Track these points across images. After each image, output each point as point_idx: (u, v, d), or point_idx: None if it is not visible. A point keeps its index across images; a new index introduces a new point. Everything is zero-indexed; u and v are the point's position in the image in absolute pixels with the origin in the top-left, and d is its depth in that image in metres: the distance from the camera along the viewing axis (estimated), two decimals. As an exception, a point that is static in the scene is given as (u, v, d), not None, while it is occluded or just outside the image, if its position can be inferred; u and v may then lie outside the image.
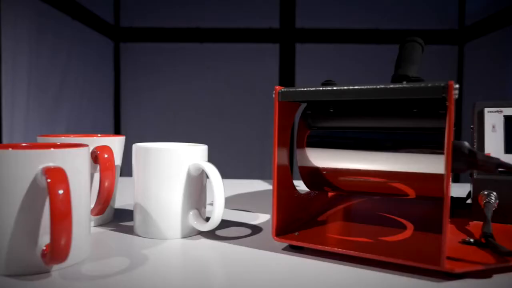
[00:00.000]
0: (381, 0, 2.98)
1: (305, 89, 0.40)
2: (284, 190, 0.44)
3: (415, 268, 0.36)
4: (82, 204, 0.38)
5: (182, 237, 0.46)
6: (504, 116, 0.52)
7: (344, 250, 0.39)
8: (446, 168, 0.34)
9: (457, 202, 0.56)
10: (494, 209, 0.47)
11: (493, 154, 0.50)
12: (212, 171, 0.44)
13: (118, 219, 0.54)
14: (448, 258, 0.36)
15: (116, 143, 0.52)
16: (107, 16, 2.84)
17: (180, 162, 0.45)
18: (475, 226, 0.48)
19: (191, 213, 0.47)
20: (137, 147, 0.47)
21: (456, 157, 0.37)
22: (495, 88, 2.56)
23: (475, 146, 0.52)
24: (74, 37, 2.33)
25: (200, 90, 2.99)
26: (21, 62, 1.83)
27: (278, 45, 3.04)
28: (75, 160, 0.37)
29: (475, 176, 0.50)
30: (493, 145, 0.51)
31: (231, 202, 0.66)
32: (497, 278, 0.36)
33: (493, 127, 0.52)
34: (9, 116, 1.73)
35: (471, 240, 0.41)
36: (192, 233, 0.47)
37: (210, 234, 0.48)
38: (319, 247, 0.40)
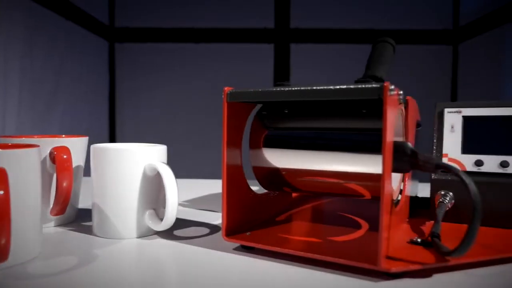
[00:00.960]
0: (376, 0, 2.98)
1: (252, 90, 0.41)
2: (236, 190, 0.44)
3: (358, 268, 0.36)
4: (30, 204, 0.39)
5: (138, 237, 0.47)
6: (463, 116, 0.52)
7: (287, 250, 0.39)
8: (384, 168, 0.34)
9: (421, 201, 0.56)
10: (447, 209, 0.47)
11: (450, 155, 0.51)
12: (165, 171, 0.45)
13: (82, 219, 0.55)
14: (390, 258, 0.37)
15: (78, 143, 0.53)
16: (102, 17, 2.85)
17: (135, 162, 0.46)
18: (430, 225, 0.49)
19: (147, 213, 0.47)
20: (94, 147, 0.47)
21: (399, 158, 0.38)
22: (489, 88, 2.56)
23: (434, 147, 0.52)
24: (68, 38, 2.34)
25: (195, 90, 2.99)
26: (13, 63, 1.83)
27: (273, 45, 3.04)
28: (21, 161, 0.38)
29: (433, 177, 0.50)
30: (451, 146, 0.51)
31: (200, 202, 0.67)
32: (436, 277, 0.36)
33: (452, 127, 0.52)
34: (0, 118, 1.73)
35: (419, 240, 0.41)
36: (149, 233, 0.48)
37: (167, 234, 0.48)
38: (265, 246, 0.40)
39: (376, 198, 0.43)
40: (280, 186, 0.49)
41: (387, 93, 0.33)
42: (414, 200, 0.55)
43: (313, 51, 3.02)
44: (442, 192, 0.49)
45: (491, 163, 0.48)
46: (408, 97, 0.48)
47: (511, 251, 0.39)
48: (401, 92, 0.39)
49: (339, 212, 0.56)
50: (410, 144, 0.38)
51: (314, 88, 0.38)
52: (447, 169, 0.36)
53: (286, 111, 0.47)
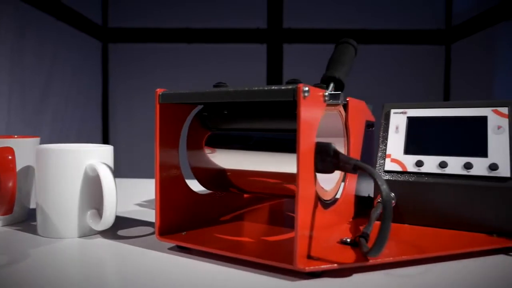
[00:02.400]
0: (368, 1, 2.98)
1: (180, 91, 0.41)
2: (173, 190, 0.44)
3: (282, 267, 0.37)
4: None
5: (80, 236, 0.47)
6: (408, 117, 0.52)
7: (213, 249, 0.39)
8: (299, 168, 0.34)
9: (370, 201, 0.56)
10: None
11: (394, 155, 0.51)
12: (103, 171, 0.45)
13: (34, 218, 0.55)
14: (312, 257, 0.37)
15: (29, 144, 0.53)
16: (95, 17, 2.86)
17: (76, 163, 0.46)
18: (374, 225, 0.49)
19: (89, 212, 0.47)
20: (36, 148, 0.48)
21: (322, 158, 0.38)
22: (482, 88, 2.55)
23: (379, 147, 0.53)
24: (59, 39, 2.35)
25: (188, 90, 3.00)
26: (2, 65, 1.84)
27: (266, 46, 3.04)
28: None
29: (375, 177, 0.51)
30: (395, 146, 0.51)
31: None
32: (355, 277, 0.36)
33: (397, 128, 0.52)
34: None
35: (348, 240, 0.41)
36: (91, 233, 0.48)
37: (110, 234, 0.49)
38: (193, 246, 0.41)
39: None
40: (221, 186, 0.50)
41: (300, 95, 0.34)
42: (366, 200, 0.55)
43: (306, 51, 3.02)
44: (384, 193, 0.49)
45: (430, 163, 0.48)
46: (349, 98, 0.49)
47: (436, 250, 0.40)
48: (327, 93, 0.40)
49: (287, 213, 0.56)
50: (333, 145, 0.38)
51: (231, 89, 0.38)
52: (364, 170, 0.36)
53: (226, 112, 0.48)
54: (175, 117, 0.45)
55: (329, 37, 3.02)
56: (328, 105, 0.45)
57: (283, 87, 0.35)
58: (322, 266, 0.35)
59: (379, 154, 0.52)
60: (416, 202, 0.48)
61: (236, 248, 0.40)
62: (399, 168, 0.50)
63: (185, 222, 0.46)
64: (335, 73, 0.67)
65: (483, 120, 0.48)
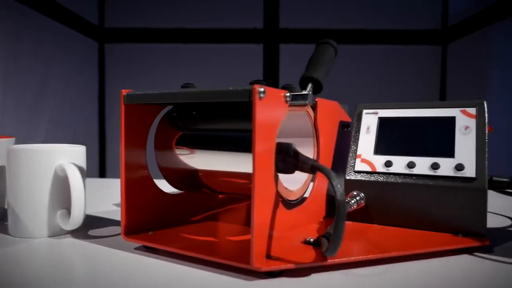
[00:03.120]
0: (365, 1, 2.98)
1: (145, 92, 0.41)
2: (140, 190, 0.45)
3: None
4: None
5: (50, 236, 0.48)
6: (379, 117, 0.53)
7: (174, 249, 0.40)
8: (254, 168, 0.34)
9: None
10: (352, 210, 0.48)
11: (364, 155, 0.51)
12: (71, 172, 0.45)
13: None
14: (271, 257, 0.37)
15: (2, 144, 0.54)
16: (91, 17, 2.86)
17: (46, 163, 0.47)
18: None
19: (59, 212, 0.48)
20: (8, 148, 0.48)
21: (283, 158, 0.39)
22: (478, 87, 2.55)
23: (351, 147, 0.53)
24: (55, 39, 2.35)
25: (184, 90, 3.00)
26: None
27: (262, 46, 3.05)
28: None
29: (346, 177, 0.51)
30: (365, 146, 0.52)
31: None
32: (313, 276, 0.36)
33: (368, 128, 0.53)
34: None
35: (311, 240, 0.41)
36: (62, 232, 0.48)
37: (81, 233, 0.49)
38: (155, 245, 0.41)
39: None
40: (192, 187, 0.50)
41: (256, 96, 0.34)
42: None
43: (302, 51, 3.01)
44: (355, 193, 0.50)
45: (399, 164, 0.49)
46: (318, 99, 0.49)
47: (397, 250, 0.40)
48: (288, 94, 0.40)
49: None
50: (294, 145, 0.39)
51: (190, 91, 0.38)
52: (320, 170, 0.36)
53: (194, 113, 0.48)
54: (143, 118, 0.45)
55: (325, 37, 3.01)
56: (295, 105, 0.45)
57: (239, 88, 0.35)
58: (280, 266, 0.36)
59: (350, 154, 0.52)
60: (385, 202, 0.49)
61: (199, 248, 0.40)
62: (368, 169, 0.50)
63: (153, 222, 0.46)
64: (313, 74, 0.67)
65: (452, 120, 0.48)
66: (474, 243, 0.43)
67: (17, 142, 0.56)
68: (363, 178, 0.50)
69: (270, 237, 0.38)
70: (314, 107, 0.49)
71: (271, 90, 0.36)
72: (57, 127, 2.32)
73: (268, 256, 0.37)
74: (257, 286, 0.35)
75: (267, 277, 0.36)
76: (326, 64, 0.71)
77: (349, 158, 0.52)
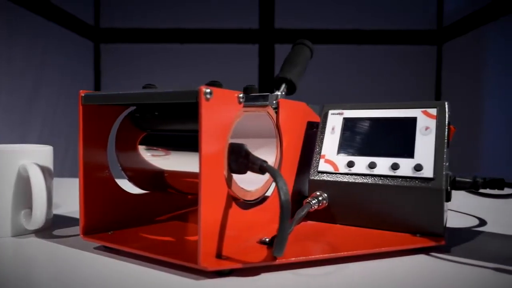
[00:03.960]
0: (360, 1, 2.98)
1: (102, 93, 0.42)
2: (100, 190, 0.45)
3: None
4: None
5: (14, 236, 0.48)
6: (344, 118, 0.53)
7: (131, 249, 0.40)
8: (201, 169, 0.35)
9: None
10: (313, 210, 0.48)
11: (328, 156, 0.51)
12: (33, 171, 0.46)
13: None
14: (222, 257, 0.37)
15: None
16: (86, 17, 2.87)
17: (9, 163, 0.47)
18: (305, 225, 0.50)
19: (23, 212, 0.48)
20: (-28, 148, 0.49)
21: (235, 159, 0.39)
22: (472, 87, 2.55)
23: (316, 148, 0.53)
24: (49, 39, 2.36)
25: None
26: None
27: (258, 46, 3.05)
28: None
29: (310, 177, 0.51)
30: (330, 147, 0.52)
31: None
32: (263, 276, 0.37)
33: (333, 128, 0.53)
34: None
35: (267, 239, 0.42)
36: (26, 232, 0.49)
37: (45, 233, 0.49)
38: (114, 245, 0.41)
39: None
40: (156, 187, 0.50)
41: (202, 97, 0.34)
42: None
43: (298, 51, 3.02)
44: (318, 193, 0.50)
45: (361, 164, 0.49)
46: (280, 100, 0.49)
47: (351, 249, 0.40)
48: (242, 95, 0.40)
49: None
50: (246, 146, 0.39)
51: (143, 92, 0.39)
52: (267, 171, 0.37)
53: (157, 114, 0.48)
54: (103, 118, 0.45)
55: (320, 37, 3.02)
56: (255, 106, 0.45)
57: (186, 89, 0.36)
58: (228, 265, 0.36)
59: (315, 154, 0.52)
60: (347, 202, 0.49)
61: (154, 248, 0.41)
62: (331, 169, 0.50)
63: (115, 221, 0.47)
64: (287, 75, 0.67)
65: (413, 121, 0.49)
66: (429, 243, 0.43)
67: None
68: (326, 179, 0.50)
69: (222, 236, 0.38)
70: (276, 108, 0.49)
71: (219, 91, 0.36)
72: (50, 128, 2.32)
73: (220, 256, 0.38)
74: (204, 285, 0.35)
75: (217, 276, 0.37)
76: (301, 65, 0.71)
77: (314, 159, 0.52)
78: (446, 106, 0.48)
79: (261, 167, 0.37)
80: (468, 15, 2.61)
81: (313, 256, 0.39)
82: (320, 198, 0.49)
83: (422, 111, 0.49)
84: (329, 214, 0.50)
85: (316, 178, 0.51)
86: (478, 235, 0.51)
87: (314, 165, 0.52)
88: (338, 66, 3.00)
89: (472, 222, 0.58)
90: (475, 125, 2.47)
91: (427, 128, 0.48)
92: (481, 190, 0.61)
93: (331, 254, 0.39)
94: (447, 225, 0.54)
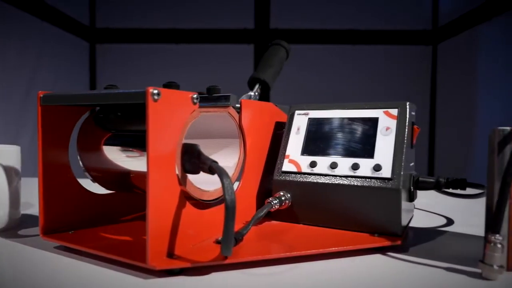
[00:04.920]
0: (355, 1, 2.98)
1: (59, 94, 0.42)
2: (61, 189, 0.45)
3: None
4: None
5: (-21, 235, 0.48)
6: (309, 118, 0.53)
7: (86, 248, 0.40)
8: (148, 169, 0.35)
9: None
10: (274, 210, 0.48)
11: (292, 156, 0.52)
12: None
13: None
14: (174, 256, 0.38)
15: None
16: (82, 17, 2.88)
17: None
18: (268, 225, 0.50)
19: (-13, 212, 0.49)
20: None
21: (189, 159, 0.39)
22: (468, 87, 2.55)
23: (281, 148, 0.53)
24: (44, 40, 2.36)
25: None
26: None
27: (253, 46, 3.05)
28: None
29: (274, 178, 0.51)
30: (294, 147, 0.52)
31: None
32: (213, 275, 0.37)
33: (298, 129, 0.53)
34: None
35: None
36: (-8, 231, 0.49)
37: (10, 233, 0.50)
38: (71, 244, 0.42)
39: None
40: (121, 187, 0.51)
41: (149, 98, 0.35)
42: None
43: (293, 51, 3.02)
44: (281, 193, 0.50)
45: (323, 164, 0.49)
46: (242, 100, 0.49)
47: (306, 249, 0.40)
48: (196, 95, 0.40)
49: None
50: (199, 146, 0.39)
51: (95, 92, 0.39)
52: (215, 170, 0.37)
53: (119, 114, 0.48)
54: (64, 119, 0.46)
55: (316, 37, 3.02)
56: (215, 106, 0.45)
57: (135, 91, 0.36)
58: (177, 264, 0.36)
59: (280, 154, 0.53)
60: (309, 202, 0.49)
61: (110, 248, 0.41)
62: (294, 169, 0.51)
63: (77, 221, 0.47)
64: (261, 75, 0.68)
65: (375, 121, 0.49)
66: (385, 243, 0.43)
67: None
68: (289, 179, 0.50)
69: (174, 236, 0.38)
70: (239, 109, 0.49)
71: (169, 92, 0.37)
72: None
73: (171, 255, 0.38)
74: (151, 284, 0.35)
75: (168, 275, 0.37)
76: (275, 66, 0.72)
77: (278, 159, 0.52)
78: (408, 106, 0.48)
79: (210, 167, 0.38)
80: (463, 15, 2.61)
81: (264, 256, 0.39)
82: (283, 198, 0.49)
83: (384, 112, 0.49)
84: (293, 214, 0.50)
85: (280, 178, 0.51)
86: (441, 235, 0.51)
87: (278, 165, 0.52)
88: (333, 66, 3.00)
89: (440, 221, 0.58)
90: (470, 125, 2.47)
91: (387, 129, 0.48)
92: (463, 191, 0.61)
93: (284, 254, 0.40)
94: (413, 225, 0.55)
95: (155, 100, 0.35)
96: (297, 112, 0.55)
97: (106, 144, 0.49)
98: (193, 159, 0.39)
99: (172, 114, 0.37)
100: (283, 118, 0.58)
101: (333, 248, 0.41)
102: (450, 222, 0.58)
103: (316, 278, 0.37)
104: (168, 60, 3.03)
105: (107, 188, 0.51)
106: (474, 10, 2.48)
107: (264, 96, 0.64)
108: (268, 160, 0.55)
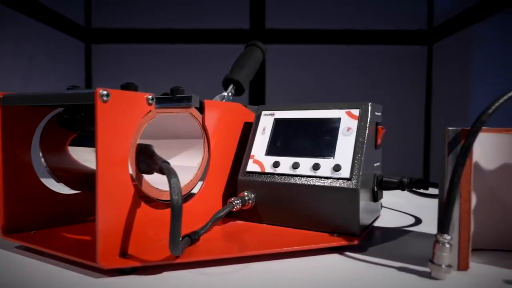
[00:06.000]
0: (351, 1, 2.98)
1: (19, 94, 0.43)
2: (23, 189, 0.46)
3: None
4: None
5: None
6: (275, 119, 0.53)
7: (44, 248, 0.41)
8: (97, 170, 0.35)
9: None
10: (236, 210, 0.48)
11: (256, 156, 0.52)
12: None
13: None
14: (127, 255, 0.38)
15: None
16: (77, 18, 2.88)
17: None
18: (232, 225, 0.50)
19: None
20: None
21: (143, 159, 0.40)
22: (463, 87, 2.55)
23: (247, 148, 0.54)
24: (39, 40, 2.37)
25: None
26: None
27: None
28: None
29: (238, 178, 0.52)
30: (259, 147, 0.52)
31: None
32: (164, 274, 0.37)
33: (264, 129, 0.53)
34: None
35: (180, 238, 0.42)
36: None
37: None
38: (30, 244, 0.42)
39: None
40: (87, 187, 0.51)
41: (98, 99, 0.35)
42: None
43: (288, 51, 3.02)
44: (245, 193, 0.50)
45: (285, 164, 0.49)
46: (206, 101, 0.50)
47: (260, 248, 0.41)
48: (151, 96, 0.41)
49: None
50: (153, 147, 0.40)
51: (48, 93, 0.39)
52: (164, 170, 0.37)
53: (83, 115, 0.49)
54: (26, 119, 0.46)
55: (311, 37, 3.02)
56: (177, 107, 0.46)
57: (84, 92, 0.36)
58: (127, 264, 0.36)
59: (245, 155, 0.53)
60: (272, 202, 0.49)
61: (67, 248, 0.41)
62: (258, 169, 0.51)
63: (40, 221, 0.47)
64: (235, 76, 0.68)
65: (337, 122, 0.49)
66: (342, 242, 0.43)
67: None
68: (253, 179, 0.51)
69: (127, 235, 0.39)
70: (201, 109, 0.49)
71: (120, 93, 0.37)
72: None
73: (124, 254, 0.38)
74: (100, 283, 0.36)
75: (120, 274, 0.37)
76: (250, 66, 0.72)
77: (244, 159, 0.53)
78: (370, 107, 0.49)
79: (160, 167, 0.38)
80: (458, 15, 2.60)
81: (215, 256, 0.39)
82: (246, 198, 0.49)
83: (346, 112, 0.49)
84: (257, 214, 0.50)
85: (244, 178, 0.51)
86: (405, 234, 0.51)
87: (243, 165, 0.52)
88: (328, 66, 3.00)
89: (408, 221, 0.58)
90: (465, 124, 2.46)
91: (348, 129, 0.48)
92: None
93: (236, 254, 0.40)
94: (381, 225, 0.55)
95: (104, 101, 0.35)
96: (263, 112, 0.55)
97: (71, 144, 0.50)
98: (147, 160, 0.39)
99: (124, 115, 0.37)
100: (252, 118, 0.58)
101: (287, 248, 0.41)
102: (418, 221, 0.58)
103: (264, 277, 0.37)
104: (164, 60, 3.04)
105: (73, 188, 0.52)
106: (469, 10, 2.48)
107: (260, 95, 0.64)
108: (236, 160, 0.55)
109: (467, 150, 0.36)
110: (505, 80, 2.14)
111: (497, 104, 0.36)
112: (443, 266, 0.36)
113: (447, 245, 0.36)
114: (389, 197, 0.75)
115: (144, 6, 3.03)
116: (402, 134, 2.84)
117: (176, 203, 0.34)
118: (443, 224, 0.37)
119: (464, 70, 2.57)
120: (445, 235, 0.36)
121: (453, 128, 0.38)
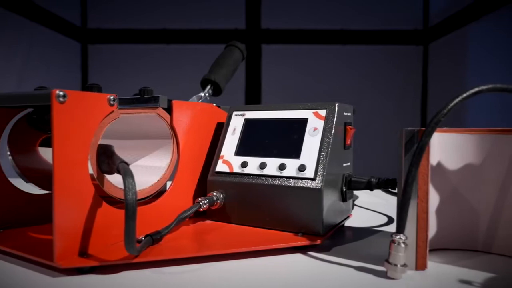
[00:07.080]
0: (346, 1, 2.98)
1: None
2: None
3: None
4: None
5: None
6: (245, 119, 0.54)
7: (5, 248, 0.41)
8: (54, 171, 0.36)
9: None
10: (202, 210, 0.49)
11: (226, 156, 0.52)
12: None
13: None
14: (86, 255, 0.38)
15: None
16: (73, 18, 2.89)
17: None
18: (201, 225, 0.51)
19: None
20: None
21: (104, 160, 0.40)
22: (459, 86, 2.54)
23: (217, 148, 0.54)
24: (35, 41, 2.37)
25: (167, 91, 3.02)
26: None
27: (244, 46, 3.05)
28: None
29: (208, 178, 0.52)
30: (229, 147, 0.53)
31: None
32: (123, 273, 0.38)
33: (234, 130, 0.54)
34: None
35: (143, 238, 0.43)
36: None
37: None
38: None
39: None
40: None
41: (54, 100, 0.35)
42: None
43: (284, 51, 3.03)
44: (214, 193, 0.51)
45: (253, 164, 0.50)
46: (174, 101, 0.50)
47: (221, 248, 0.41)
48: (113, 97, 0.41)
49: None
50: (113, 147, 0.40)
51: (6, 94, 0.40)
52: (121, 170, 0.38)
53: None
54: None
55: (307, 37, 3.02)
56: (145, 108, 0.46)
57: (41, 92, 0.37)
58: (85, 263, 0.37)
59: (215, 155, 0.53)
60: (240, 202, 0.50)
61: (29, 247, 0.41)
62: (227, 169, 0.51)
63: (8, 220, 0.48)
64: (212, 76, 0.68)
65: (304, 122, 0.49)
66: (305, 242, 0.44)
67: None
68: (221, 179, 0.51)
69: (87, 235, 0.39)
70: (169, 110, 0.49)
71: (78, 94, 0.37)
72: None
73: (83, 254, 0.39)
74: (57, 282, 0.36)
75: (78, 273, 0.37)
76: (228, 67, 0.72)
77: (214, 159, 0.53)
78: (337, 107, 0.49)
79: (117, 168, 0.38)
80: (453, 15, 2.61)
81: (175, 255, 0.39)
82: (214, 198, 0.50)
83: (313, 112, 0.50)
84: (225, 214, 0.51)
85: (213, 178, 0.51)
86: (373, 234, 0.52)
87: (213, 165, 0.52)
88: (324, 66, 3.00)
89: (380, 220, 0.59)
90: (459, 125, 2.46)
91: (315, 129, 0.48)
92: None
93: (196, 253, 0.40)
94: (352, 224, 0.55)
95: (61, 102, 0.36)
96: (234, 113, 0.55)
97: (42, 145, 0.50)
98: (107, 160, 0.39)
99: (82, 116, 0.38)
100: (225, 119, 0.59)
101: (248, 248, 0.41)
102: (390, 221, 0.58)
103: (224, 276, 0.37)
104: (159, 60, 3.04)
105: (43, 188, 0.52)
106: (464, 10, 2.48)
107: (256, 95, 0.64)
108: (208, 160, 0.56)
109: (421, 151, 0.36)
110: (500, 79, 2.13)
111: (451, 104, 0.37)
112: (399, 265, 0.36)
113: (402, 245, 0.36)
114: (369, 197, 0.75)
115: (140, 6, 3.03)
116: (397, 133, 2.84)
117: (130, 203, 0.35)
118: (398, 224, 0.37)
119: (459, 70, 2.57)
120: (401, 235, 0.37)
121: (409, 128, 0.39)
